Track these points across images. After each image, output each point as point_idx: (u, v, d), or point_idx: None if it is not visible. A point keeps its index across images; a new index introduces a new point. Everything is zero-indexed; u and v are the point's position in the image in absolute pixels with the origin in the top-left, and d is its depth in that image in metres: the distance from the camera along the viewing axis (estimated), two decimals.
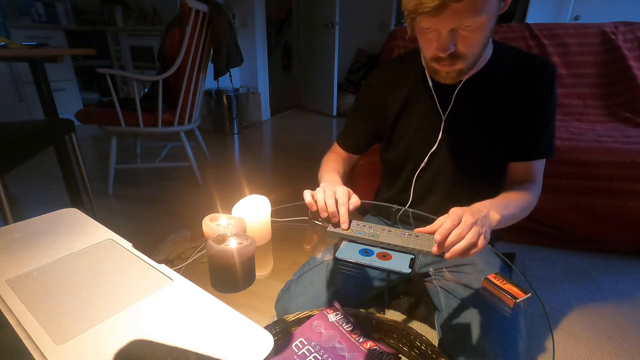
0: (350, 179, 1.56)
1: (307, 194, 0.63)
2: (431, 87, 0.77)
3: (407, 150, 0.83)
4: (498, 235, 0.91)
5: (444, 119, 0.77)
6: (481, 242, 0.53)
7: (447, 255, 0.53)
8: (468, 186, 0.79)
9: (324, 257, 0.79)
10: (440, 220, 0.55)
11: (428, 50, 0.66)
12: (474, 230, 0.53)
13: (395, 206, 0.88)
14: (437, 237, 0.53)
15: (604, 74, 1.87)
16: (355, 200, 0.63)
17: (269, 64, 4.00)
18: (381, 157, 0.93)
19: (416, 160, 0.82)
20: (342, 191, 0.63)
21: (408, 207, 0.86)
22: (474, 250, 0.53)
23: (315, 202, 0.63)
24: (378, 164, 0.96)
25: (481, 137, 0.76)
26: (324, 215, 0.61)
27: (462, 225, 0.53)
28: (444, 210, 0.57)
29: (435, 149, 0.79)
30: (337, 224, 0.62)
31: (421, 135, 0.80)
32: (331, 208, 0.61)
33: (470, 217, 0.54)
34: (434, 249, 0.54)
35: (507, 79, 0.73)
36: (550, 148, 0.76)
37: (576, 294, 1.28)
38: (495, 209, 0.62)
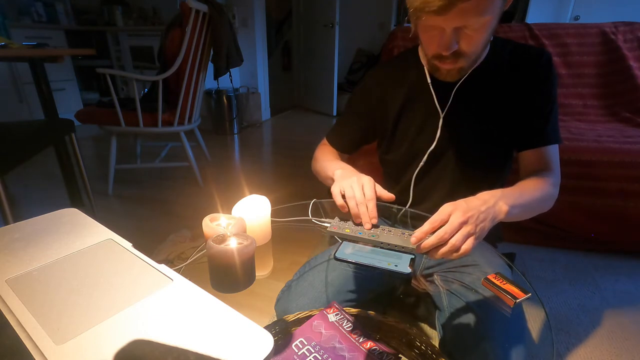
0: None
1: (338, 196, 0.62)
2: (430, 85, 0.77)
3: (410, 151, 0.83)
4: (501, 236, 0.91)
5: (442, 116, 0.77)
6: (466, 245, 0.50)
7: (430, 256, 0.52)
8: (470, 183, 0.79)
9: (324, 257, 0.79)
10: (432, 218, 0.53)
11: (430, 47, 0.66)
12: (462, 231, 0.50)
13: (395, 206, 0.88)
14: (413, 240, 0.52)
15: (604, 74, 1.87)
16: (388, 196, 0.62)
17: (269, 64, 4.00)
18: (381, 159, 0.92)
19: (419, 160, 0.82)
20: (369, 184, 0.61)
21: (408, 207, 0.86)
22: (455, 255, 0.50)
23: (343, 198, 0.61)
24: (378, 165, 0.96)
25: (482, 132, 0.76)
26: (358, 221, 0.60)
27: (447, 227, 0.50)
28: None
29: (435, 147, 0.79)
30: (339, 224, 0.62)
31: (422, 134, 0.80)
32: (361, 208, 0.59)
33: (461, 215, 0.51)
34: (416, 248, 0.52)
35: (505, 71, 0.73)
36: (557, 134, 0.76)
37: (576, 294, 1.28)
38: (505, 200, 0.58)
